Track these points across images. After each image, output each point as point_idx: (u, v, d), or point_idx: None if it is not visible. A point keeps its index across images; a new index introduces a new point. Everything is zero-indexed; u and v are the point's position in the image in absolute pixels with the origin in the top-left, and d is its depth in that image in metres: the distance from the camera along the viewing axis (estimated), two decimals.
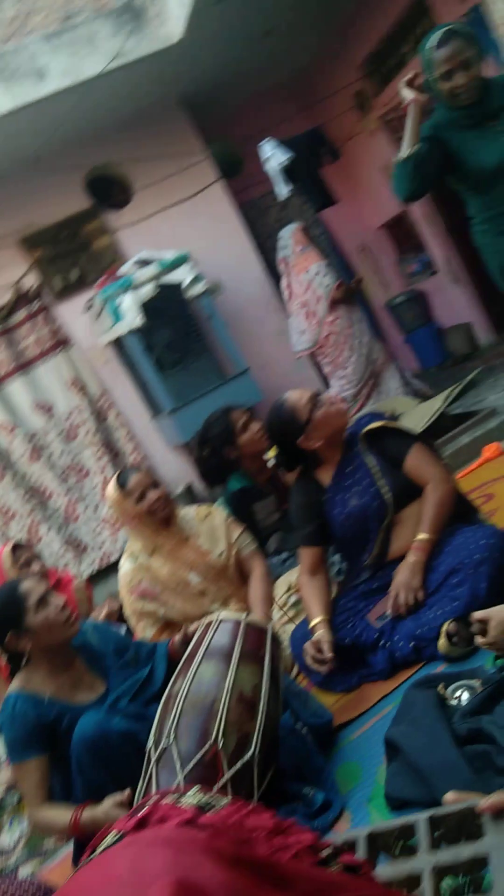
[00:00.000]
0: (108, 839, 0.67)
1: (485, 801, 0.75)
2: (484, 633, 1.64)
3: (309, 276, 4.93)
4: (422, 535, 2.19)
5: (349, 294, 4.98)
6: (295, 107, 6.65)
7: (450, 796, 0.86)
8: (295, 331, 5.14)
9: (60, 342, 5.67)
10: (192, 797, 0.71)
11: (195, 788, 0.74)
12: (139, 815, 0.66)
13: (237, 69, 5.83)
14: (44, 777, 1.98)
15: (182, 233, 5.77)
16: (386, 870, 0.91)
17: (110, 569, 5.50)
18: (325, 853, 0.66)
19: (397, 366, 5.24)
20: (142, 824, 0.66)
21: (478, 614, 1.65)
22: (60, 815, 1.91)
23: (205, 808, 0.69)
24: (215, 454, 3.04)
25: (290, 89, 6.75)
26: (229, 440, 2.99)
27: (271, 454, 2.47)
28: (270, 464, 2.48)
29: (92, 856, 0.69)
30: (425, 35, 2.66)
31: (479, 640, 1.66)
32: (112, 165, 5.86)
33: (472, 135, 2.64)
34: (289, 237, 5.04)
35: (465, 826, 0.82)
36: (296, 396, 2.35)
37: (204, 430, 3.11)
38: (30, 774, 1.98)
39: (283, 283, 5.15)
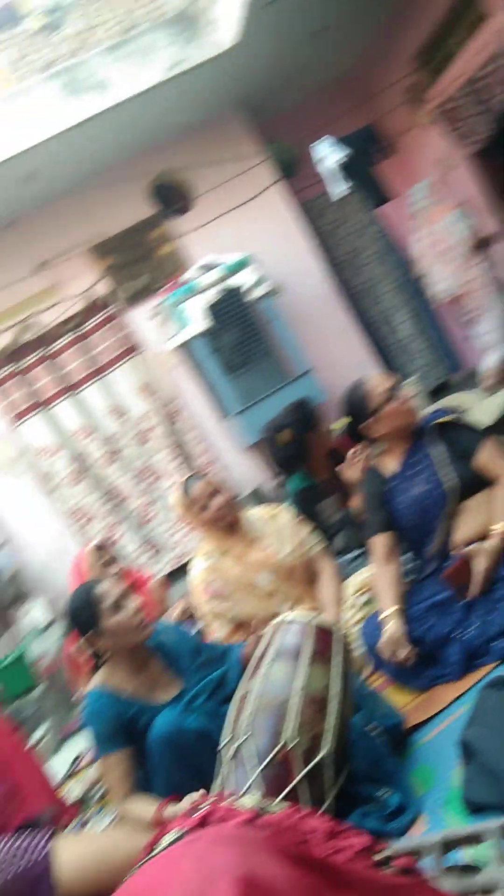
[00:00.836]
0: (169, 836, 0.69)
1: None
2: None
3: (445, 225, 5.05)
4: (501, 525, 2.16)
5: (485, 242, 5.08)
6: (348, 105, 6.58)
7: None
8: (435, 281, 5.33)
9: (131, 348, 5.81)
10: (250, 800, 0.73)
11: (251, 792, 0.76)
12: (199, 814, 0.68)
13: (290, 70, 5.83)
14: (128, 770, 2.03)
15: (244, 236, 5.82)
16: (458, 883, 0.90)
17: (184, 568, 5.59)
18: (379, 856, 0.66)
19: None
20: (202, 823, 0.68)
21: None
22: (144, 809, 1.95)
23: (262, 810, 0.71)
24: (295, 440, 3.07)
25: (342, 87, 6.69)
26: (313, 426, 3.06)
27: (340, 424, 2.51)
28: (339, 432, 2.52)
29: (153, 852, 0.71)
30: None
31: None
32: (174, 172, 5.96)
33: None
34: (423, 190, 5.25)
35: None
36: (374, 383, 2.39)
37: (283, 416, 3.16)
38: (114, 768, 2.03)
39: (415, 237, 5.32)
